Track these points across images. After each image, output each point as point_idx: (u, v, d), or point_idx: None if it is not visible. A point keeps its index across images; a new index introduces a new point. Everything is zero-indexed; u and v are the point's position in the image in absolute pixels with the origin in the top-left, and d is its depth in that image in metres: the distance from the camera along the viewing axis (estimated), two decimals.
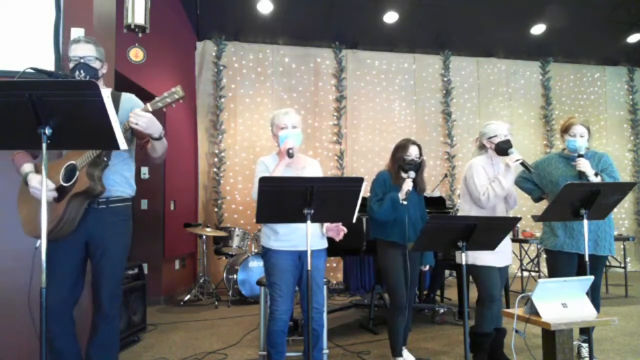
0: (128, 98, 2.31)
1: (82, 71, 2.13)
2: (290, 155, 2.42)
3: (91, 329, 2.20)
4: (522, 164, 2.71)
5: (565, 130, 3.06)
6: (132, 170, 2.32)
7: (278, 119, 2.57)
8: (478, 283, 2.83)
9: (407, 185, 2.80)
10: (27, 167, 2.15)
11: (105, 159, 2.13)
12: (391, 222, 2.89)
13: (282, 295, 2.45)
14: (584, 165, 2.86)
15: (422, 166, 3.00)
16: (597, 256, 2.92)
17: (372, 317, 4.08)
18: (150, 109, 2.05)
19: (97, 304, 2.17)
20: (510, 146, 2.79)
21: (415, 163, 2.90)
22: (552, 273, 3.05)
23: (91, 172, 2.08)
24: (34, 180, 2.08)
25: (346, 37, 6.84)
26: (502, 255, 2.80)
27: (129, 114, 2.06)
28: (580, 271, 2.97)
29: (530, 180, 3.17)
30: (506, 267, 2.93)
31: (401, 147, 2.98)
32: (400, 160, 2.92)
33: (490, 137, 2.88)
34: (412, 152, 2.93)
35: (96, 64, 2.20)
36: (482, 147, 2.98)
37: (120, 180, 2.23)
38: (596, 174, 2.89)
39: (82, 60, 2.15)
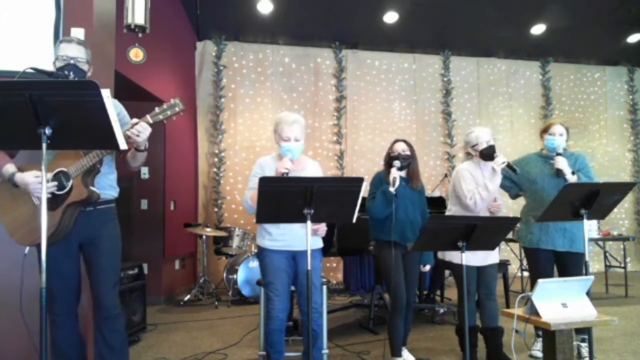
0: (114, 104, 2.28)
1: (71, 72, 2.12)
2: None
3: (95, 332, 2.19)
4: (508, 165, 2.78)
5: (545, 130, 3.16)
6: (114, 172, 2.33)
7: (282, 128, 2.50)
8: (454, 279, 2.91)
9: (393, 173, 2.80)
10: (10, 167, 2.06)
11: (98, 166, 2.13)
12: (389, 221, 2.88)
13: (278, 295, 2.46)
14: (561, 163, 2.94)
15: (412, 160, 3.00)
16: (573, 253, 3.02)
17: (372, 317, 4.08)
18: (151, 121, 2.06)
19: (98, 303, 2.18)
20: (494, 151, 2.83)
21: (401, 156, 2.92)
22: (532, 269, 3.18)
23: (86, 180, 2.09)
24: (30, 175, 1.99)
25: (346, 37, 6.84)
26: (479, 255, 2.83)
27: (130, 123, 2.07)
28: (561, 268, 3.10)
29: (508, 178, 3.23)
30: (491, 266, 2.94)
31: (389, 148, 3.05)
32: (387, 158, 2.98)
33: (473, 146, 2.95)
34: (397, 148, 2.98)
35: (85, 66, 2.19)
36: (468, 154, 3.06)
37: (105, 183, 2.24)
38: (573, 173, 2.97)
39: (72, 61, 2.14)
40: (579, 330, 3.05)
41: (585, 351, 3.06)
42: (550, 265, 3.10)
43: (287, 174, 2.35)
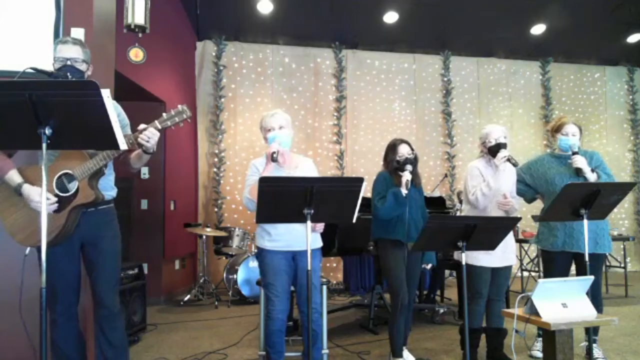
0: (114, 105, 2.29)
1: (68, 73, 2.12)
2: (274, 160, 2.42)
3: (96, 330, 2.21)
4: (508, 159, 2.75)
5: (557, 129, 3.09)
6: (113, 173, 2.35)
7: (265, 122, 2.59)
8: (466, 280, 2.88)
9: (406, 176, 2.82)
10: (15, 175, 2.06)
11: (104, 169, 2.15)
12: (394, 220, 2.89)
13: (277, 295, 2.46)
14: (580, 162, 2.90)
15: (416, 161, 3.02)
16: (597, 254, 2.96)
17: (372, 317, 4.08)
18: (160, 127, 2.08)
19: (99, 303, 2.19)
20: (500, 148, 2.82)
21: (410, 160, 2.91)
22: (550, 273, 3.08)
23: (92, 183, 2.11)
24: (36, 194, 2.01)
25: (346, 37, 6.84)
26: (496, 256, 2.81)
27: (137, 129, 2.08)
28: (580, 270, 3.01)
29: (522, 182, 3.18)
30: (506, 268, 2.93)
31: (391, 150, 3.02)
32: (394, 163, 2.95)
33: (484, 142, 2.94)
34: (403, 151, 2.96)
35: (82, 66, 2.18)
36: (482, 151, 3.03)
37: (106, 184, 2.25)
38: (592, 170, 2.92)
39: (68, 62, 2.14)
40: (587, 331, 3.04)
41: (596, 352, 3.03)
42: (568, 267, 3.03)
43: (277, 153, 2.41)
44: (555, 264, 3.04)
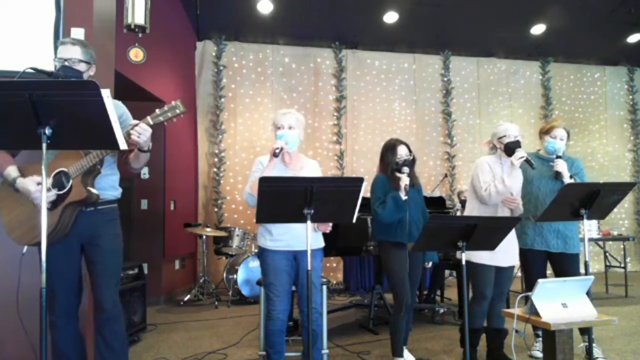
0: (117, 105, 2.26)
1: (65, 73, 2.10)
2: (275, 155, 2.42)
3: (95, 332, 2.19)
4: (526, 160, 2.73)
5: (547, 131, 3.13)
6: (117, 174, 2.33)
7: (276, 119, 2.60)
8: (470, 279, 2.88)
9: (404, 180, 2.80)
10: (13, 171, 2.07)
11: (99, 167, 2.12)
12: (395, 222, 2.88)
13: (278, 295, 2.46)
14: (561, 166, 2.95)
15: (414, 162, 3.00)
16: (567, 254, 3.02)
17: (372, 317, 4.08)
18: (152, 123, 2.06)
19: (99, 304, 2.17)
20: (518, 146, 2.79)
21: (408, 162, 2.90)
22: (525, 270, 3.19)
23: (85, 180, 2.08)
24: (31, 183, 2.01)
25: (346, 37, 6.84)
26: (502, 255, 2.80)
27: (130, 125, 2.06)
28: (556, 269, 3.11)
29: None
30: (510, 268, 2.93)
31: (390, 150, 2.99)
32: (393, 164, 2.92)
33: (500, 137, 2.89)
34: (402, 152, 2.95)
35: (80, 66, 2.16)
36: (493, 148, 3.01)
37: (107, 184, 2.23)
38: (571, 176, 2.98)
39: (66, 63, 2.13)
40: (583, 331, 3.05)
41: (596, 352, 3.04)
42: (543, 265, 3.12)
43: (280, 149, 2.42)
44: (530, 261, 3.13)
